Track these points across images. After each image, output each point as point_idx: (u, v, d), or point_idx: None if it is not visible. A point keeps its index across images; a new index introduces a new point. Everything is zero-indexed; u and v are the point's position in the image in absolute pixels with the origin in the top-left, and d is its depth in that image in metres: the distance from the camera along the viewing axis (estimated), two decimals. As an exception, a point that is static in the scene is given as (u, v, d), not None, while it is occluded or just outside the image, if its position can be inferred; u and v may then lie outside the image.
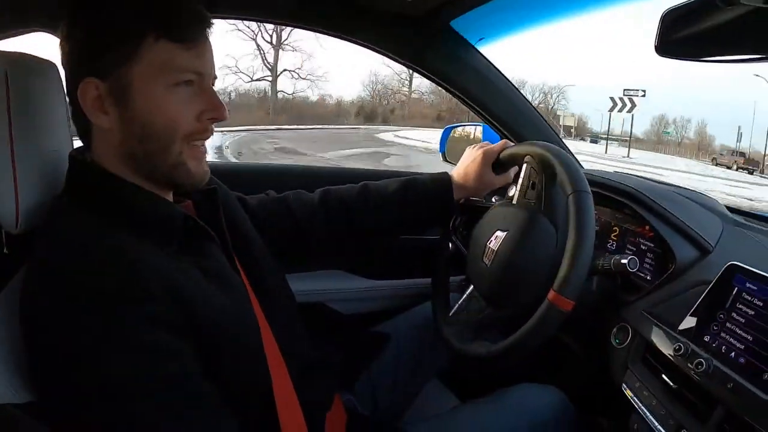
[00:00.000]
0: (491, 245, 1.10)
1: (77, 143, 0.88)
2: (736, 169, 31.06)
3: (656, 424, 0.89)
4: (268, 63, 40.89)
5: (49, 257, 0.72)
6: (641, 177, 1.48)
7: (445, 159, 1.69)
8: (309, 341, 1.05)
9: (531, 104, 1.69)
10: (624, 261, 0.95)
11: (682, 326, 0.92)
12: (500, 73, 1.59)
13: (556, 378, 1.27)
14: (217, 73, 0.86)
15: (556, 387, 1.18)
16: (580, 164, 1.18)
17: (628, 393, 0.98)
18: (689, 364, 0.85)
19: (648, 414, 0.92)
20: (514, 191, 1.15)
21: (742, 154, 34.80)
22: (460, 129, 1.71)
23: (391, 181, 1.27)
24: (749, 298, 0.85)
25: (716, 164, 34.42)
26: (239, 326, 0.82)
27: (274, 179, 1.61)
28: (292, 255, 1.20)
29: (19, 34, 1.24)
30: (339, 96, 55.20)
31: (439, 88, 1.59)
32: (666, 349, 0.92)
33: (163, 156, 0.80)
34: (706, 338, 0.88)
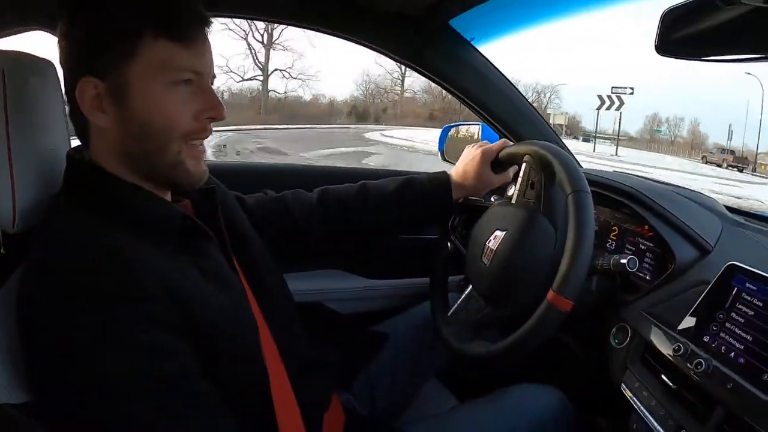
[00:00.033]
0: (490, 245, 1.09)
1: (75, 142, 0.87)
2: (726, 167, 31.21)
3: (655, 424, 0.89)
4: (259, 62, 40.95)
5: (46, 256, 0.72)
6: (640, 177, 1.47)
7: (443, 158, 1.69)
8: (307, 341, 1.05)
9: (530, 103, 1.69)
10: (623, 261, 0.95)
11: (682, 326, 0.92)
12: (499, 72, 1.59)
13: (555, 378, 1.27)
14: (210, 72, 0.86)
15: (555, 387, 1.18)
16: (579, 164, 1.17)
17: (628, 393, 0.98)
18: (689, 365, 0.85)
19: (647, 414, 0.92)
20: (513, 191, 1.15)
21: (732, 152, 34.94)
22: (458, 128, 1.71)
23: (390, 180, 1.27)
24: (749, 298, 0.85)
25: (706, 162, 34.61)
26: (237, 326, 0.81)
27: (273, 179, 1.61)
28: (291, 254, 1.20)
29: (18, 33, 1.23)
30: (332, 96, 55.39)
31: (432, 87, 1.60)
32: (665, 349, 0.92)
33: (161, 155, 0.79)
34: (706, 338, 0.87)
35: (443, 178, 1.26)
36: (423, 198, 1.23)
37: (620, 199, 1.25)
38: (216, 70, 0.87)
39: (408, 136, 26.63)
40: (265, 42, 40.29)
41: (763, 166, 32.12)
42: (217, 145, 17.33)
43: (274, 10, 1.47)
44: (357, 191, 1.24)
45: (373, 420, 1.26)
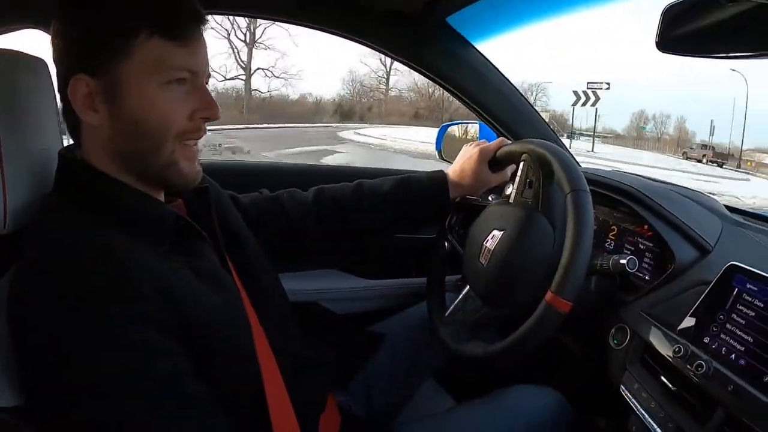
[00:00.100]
0: (488, 244, 1.09)
1: (68, 141, 0.87)
2: (707, 163, 31.56)
3: (655, 426, 0.89)
4: (242, 61, 40.79)
5: (38, 256, 0.71)
6: (640, 176, 1.47)
7: (441, 157, 1.68)
8: (302, 340, 1.04)
9: (528, 102, 1.68)
10: (623, 261, 0.94)
11: (682, 327, 0.91)
12: (497, 70, 1.58)
13: (553, 378, 1.27)
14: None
15: (553, 387, 1.17)
16: (578, 163, 1.17)
17: (627, 394, 0.98)
18: (689, 366, 0.84)
19: (646, 416, 0.91)
20: (511, 190, 1.14)
21: (712, 148, 35.25)
22: (456, 127, 1.70)
23: (386, 179, 1.26)
24: (749, 299, 0.84)
25: (687, 158, 34.85)
26: (230, 326, 0.81)
27: (269, 178, 1.61)
28: (286, 254, 1.20)
29: (12, 31, 1.23)
30: (320, 95, 55.24)
31: (418, 85, 1.59)
32: (665, 350, 0.91)
33: (155, 155, 0.79)
34: (706, 339, 0.87)
35: (440, 176, 1.25)
36: (420, 197, 1.23)
37: (619, 198, 1.25)
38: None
39: (383, 135, 26.63)
40: (248, 41, 40.23)
41: (749, 163, 32.58)
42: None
43: (272, 8, 1.46)
44: (353, 190, 1.24)
45: (369, 420, 1.26)
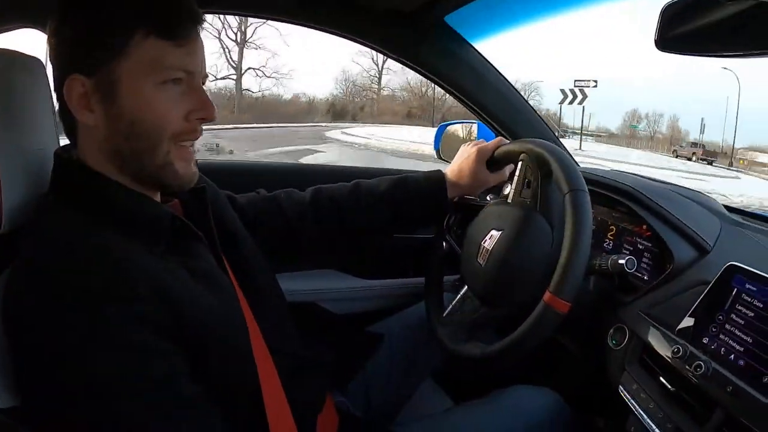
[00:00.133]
0: (486, 244, 1.08)
1: (64, 141, 0.86)
2: (696, 161, 31.52)
3: (653, 426, 0.88)
4: (233, 61, 40.75)
5: (34, 256, 0.71)
6: (639, 175, 1.47)
7: (439, 156, 1.68)
8: (300, 341, 1.04)
9: (526, 101, 1.68)
10: (621, 261, 0.94)
11: (680, 327, 0.91)
12: (496, 69, 1.58)
13: (552, 379, 1.27)
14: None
15: (552, 388, 1.17)
16: (576, 162, 1.16)
17: (625, 395, 0.97)
18: (687, 367, 0.84)
19: (645, 417, 0.91)
20: (509, 189, 1.14)
21: (702, 146, 35.30)
22: (454, 126, 1.70)
23: (384, 179, 1.26)
24: (749, 300, 0.84)
25: (677, 156, 34.88)
26: (227, 327, 0.81)
27: (266, 178, 1.60)
28: (283, 254, 1.19)
29: (8, 31, 1.22)
30: (313, 94, 55.04)
31: (411, 84, 1.59)
32: (664, 350, 0.91)
33: (150, 155, 0.78)
34: (705, 340, 0.87)
35: (438, 176, 1.25)
36: (417, 197, 1.23)
37: (618, 198, 1.25)
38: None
39: (369, 134, 26.59)
40: (239, 40, 40.18)
41: (741, 161, 32.76)
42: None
43: (271, 7, 1.46)
44: (350, 190, 1.23)
45: (368, 421, 1.25)
